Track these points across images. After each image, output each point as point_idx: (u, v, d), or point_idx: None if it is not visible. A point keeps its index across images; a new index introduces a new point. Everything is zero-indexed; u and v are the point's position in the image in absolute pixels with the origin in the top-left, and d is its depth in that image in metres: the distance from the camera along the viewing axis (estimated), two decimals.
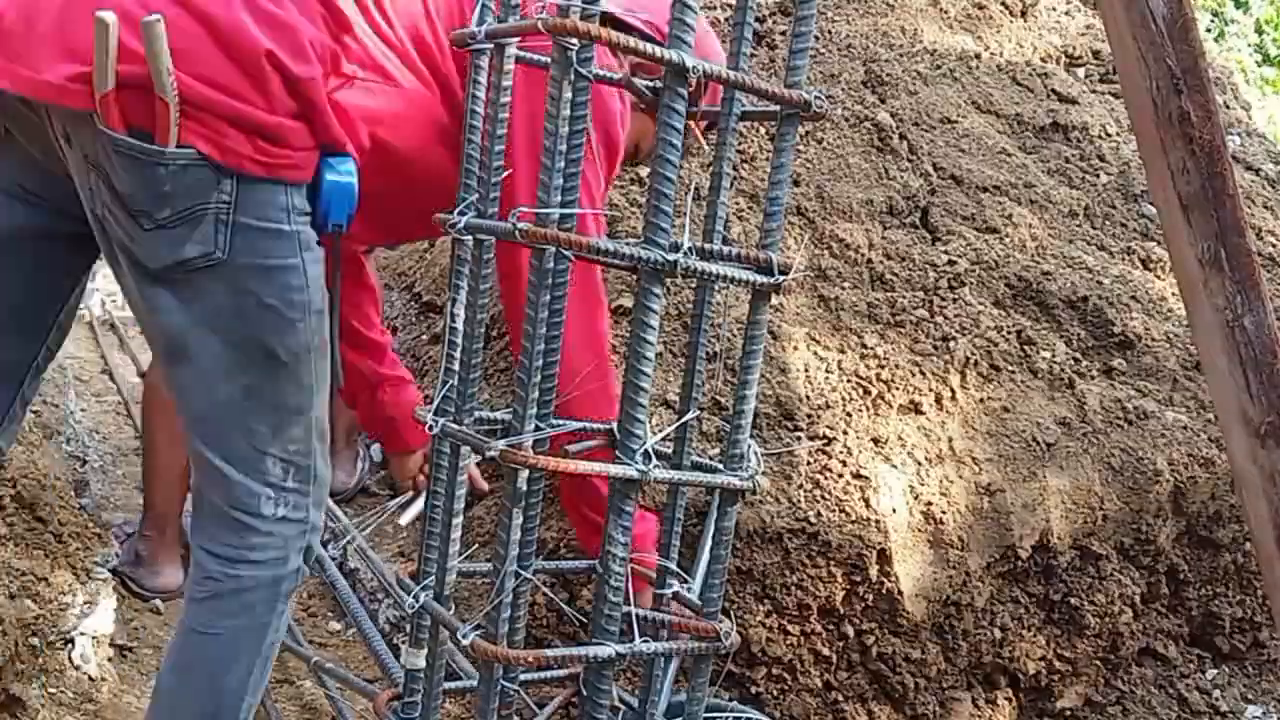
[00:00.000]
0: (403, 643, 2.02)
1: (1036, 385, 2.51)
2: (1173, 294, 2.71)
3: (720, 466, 1.32)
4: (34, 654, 1.95)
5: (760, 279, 1.24)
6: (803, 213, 2.67)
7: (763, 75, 2.86)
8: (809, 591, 2.19)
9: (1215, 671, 2.61)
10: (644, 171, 2.66)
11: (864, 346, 2.47)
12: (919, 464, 2.30)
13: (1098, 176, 3.04)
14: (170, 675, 1.43)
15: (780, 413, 2.30)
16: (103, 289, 5.86)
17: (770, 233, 1.26)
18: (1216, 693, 2.55)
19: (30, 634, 1.93)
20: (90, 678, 2.05)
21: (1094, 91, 3.36)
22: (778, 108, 1.25)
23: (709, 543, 1.33)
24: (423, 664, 1.38)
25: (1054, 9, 3.66)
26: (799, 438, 2.27)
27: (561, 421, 1.32)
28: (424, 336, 3.47)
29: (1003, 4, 3.51)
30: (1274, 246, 3.06)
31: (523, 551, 1.25)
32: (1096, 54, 3.48)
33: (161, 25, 1.18)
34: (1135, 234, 2.95)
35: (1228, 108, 3.61)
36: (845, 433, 2.29)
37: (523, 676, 1.43)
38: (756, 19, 2.99)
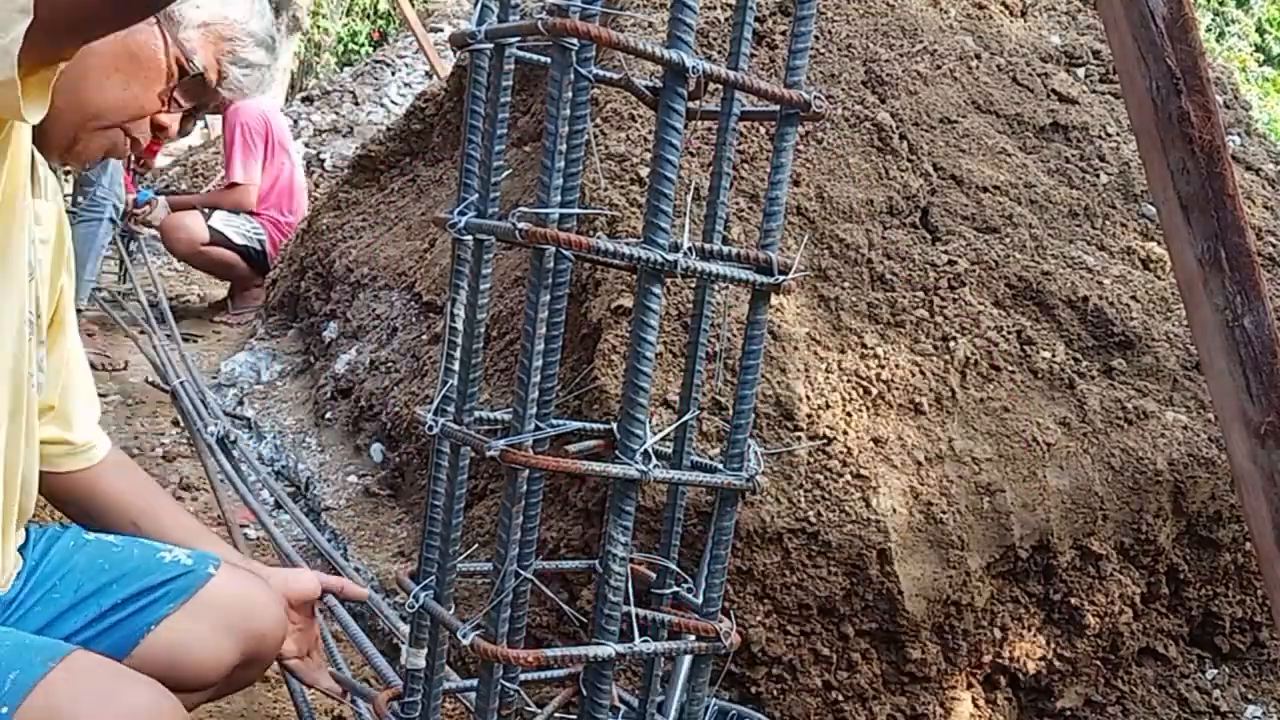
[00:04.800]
0: (401, 643, 2.02)
1: (1036, 385, 2.51)
2: (1173, 294, 2.71)
3: (720, 466, 1.32)
4: None
5: (760, 279, 1.24)
6: (803, 213, 2.67)
7: (763, 75, 2.86)
8: (809, 591, 2.19)
9: (1215, 671, 2.61)
10: (644, 171, 2.66)
11: (864, 346, 2.47)
12: (919, 464, 2.30)
13: (1098, 176, 3.04)
14: None
15: (780, 413, 2.30)
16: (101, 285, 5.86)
17: (770, 233, 1.26)
18: (1216, 693, 2.55)
19: None
20: None
21: (1094, 91, 3.36)
22: (777, 108, 1.25)
23: (710, 543, 1.33)
24: (423, 664, 1.38)
25: (1054, 9, 3.67)
26: (799, 438, 2.27)
27: (561, 422, 1.32)
28: (424, 336, 3.47)
29: (1003, 4, 3.51)
30: (1274, 246, 3.06)
31: (523, 551, 1.25)
32: (1096, 54, 3.48)
33: None
34: (1135, 234, 2.95)
35: (1228, 108, 3.61)
36: (845, 433, 2.29)
37: (523, 676, 1.43)
38: (756, 19, 2.99)
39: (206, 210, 5.87)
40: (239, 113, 5.84)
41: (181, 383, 3.79)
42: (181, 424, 3.71)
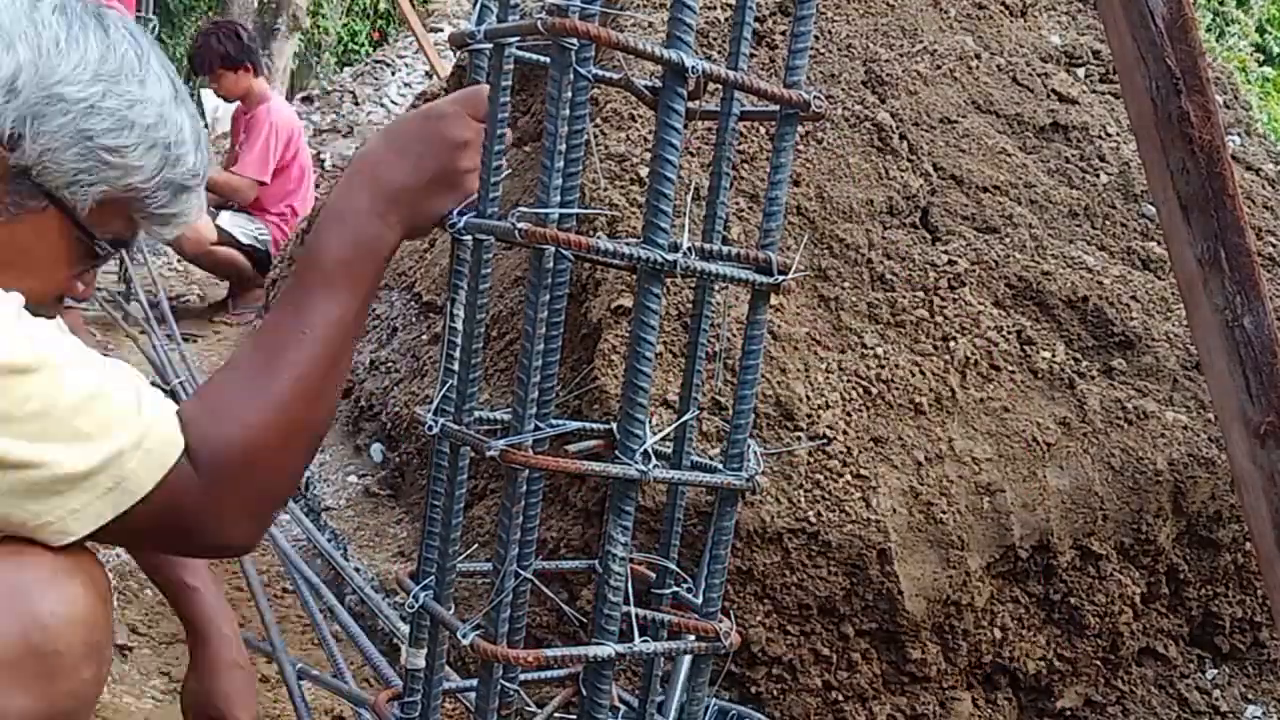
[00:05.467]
0: (401, 643, 2.02)
1: (1036, 385, 2.51)
2: (1173, 294, 2.71)
3: (720, 466, 1.32)
4: None
5: (760, 279, 1.24)
6: (803, 213, 2.67)
7: (763, 75, 2.86)
8: (809, 591, 2.19)
9: (1215, 671, 2.60)
10: (644, 171, 2.66)
11: (864, 346, 2.47)
12: (919, 464, 2.30)
13: (1098, 176, 3.04)
14: None
15: (780, 413, 2.30)
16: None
17: (770, 233, 1.26)
18: (1216, 693, 2.55)
19: None
20: None
21: (1094, 91, 3.36)
22: (777, 108, 1.25)
23: (710, 543, 1.33)
24: (423, 664, 1.39)
25: (1054, 9, 3.66)
26: (799, 438, 2.27)
27: (561, 422, 1.32)
28: (424, 336, 3.47)
29: (1003, 4, 3.51)
30: (1274, 246, 3.06)
31: (523, 551, 1.25)
32: (1096, 54, 3.47)
33: None
34: (1135, 234, 2.95)
35: (1228, 108, 3.61)
36: (845, 433, 2.29)
37: (522, 676, 1.43)
38: (756, 19, 2.99)
39: (213, 210, 5.86)
40: (271, 113, 5.85)
41: (181, 383, 3.79)
42: None
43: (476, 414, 1.30)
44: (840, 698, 2.26)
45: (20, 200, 1.12)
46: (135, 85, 1.15)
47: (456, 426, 1.27)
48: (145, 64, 1.18)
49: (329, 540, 2.89)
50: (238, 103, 6.04)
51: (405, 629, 1.47)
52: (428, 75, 9.19)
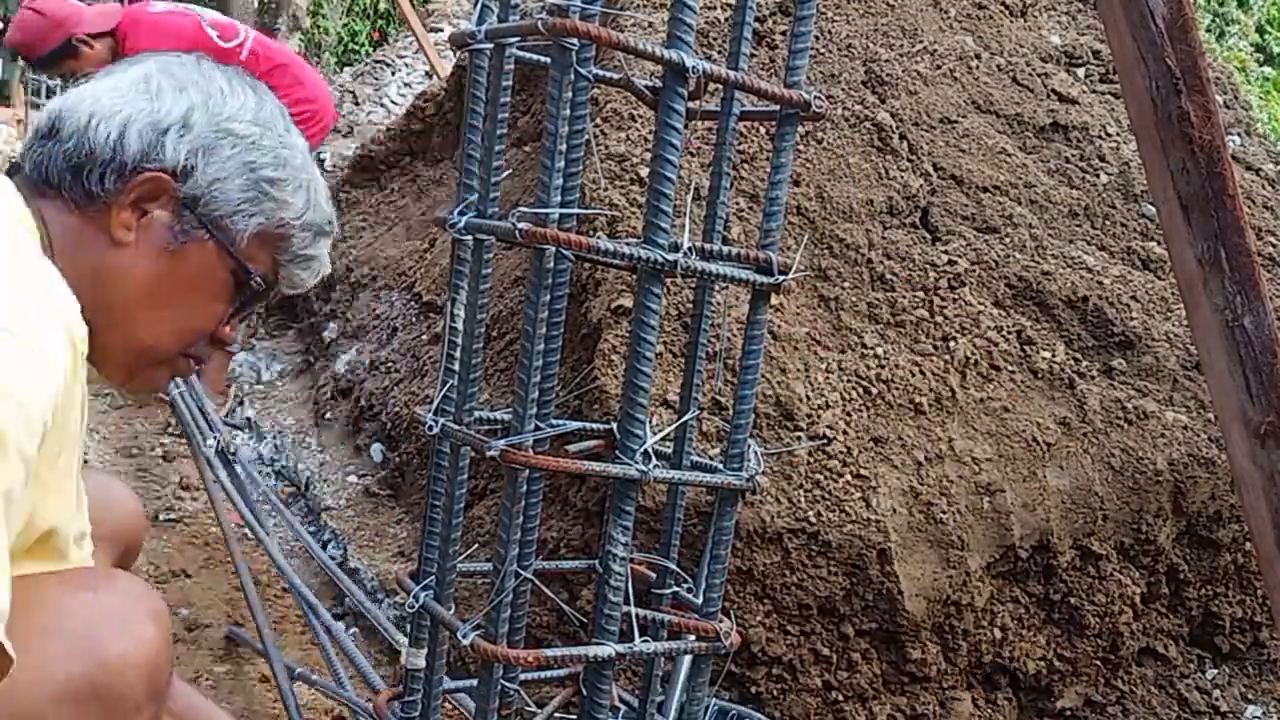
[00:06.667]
0: (400, 647, 2.02)
1: (1036, 385, 2.51)
2: (1173, 294, 2.71)
3: (720, 466, 1.32)
4: None
5: (760, 279, 1.24)
6: (803, 213, 2.67)
7: (763, 75, 2.86)
8: (809, 591, 2.19)
9: (1215, 671, 2.61)
10: (644, 171, 2.66)
11: (864, 346, 2.47)
12: (919, 464, 2.30)
13: (1098, 176, 3.04)
14: None
15: (780, 413, 2.30)
16: None
17: (770, 233, 1.26)
18: (1216, 693, 2.55)
19: None
20: None
21: (1094, 91, 3.36)
22: (777, 108, 1.25)
23: (710, 543, 1.33)
24: (423, 664, 1.39)
25: (1054, 9, 3.66)
26: (799, 438, 2.27)
27: (561, 422, 1.33)
28: (424, 336, 3.47)
29: (1003, 4, 3.51)
30: (1274, 246, 3.06)
31: (523, 551, 1.25)
32: (1096, 54, 3.48)
33: None
34: (1135, 234, 2.95)
35: (1228, 108, 3.61)
36: (845, 433, 2.29)
37: (523, 676, 1.43)
38: (756, 19, 2.99)
39: None
40: None
41: (180, 392, 3.78)
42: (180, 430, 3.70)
43: (476, 414, 1.30)
44: (840, 698, 2.26)
45: (185, 230, 1.22)
46: (283, 132, 1.29)
47: (456, 426, 1.27)
48: (287, 119, 1.31)
49: (329, 541, 2.89)
50: None
51: (404, 639, 1.47)
52: (428, 75, 9.18)
